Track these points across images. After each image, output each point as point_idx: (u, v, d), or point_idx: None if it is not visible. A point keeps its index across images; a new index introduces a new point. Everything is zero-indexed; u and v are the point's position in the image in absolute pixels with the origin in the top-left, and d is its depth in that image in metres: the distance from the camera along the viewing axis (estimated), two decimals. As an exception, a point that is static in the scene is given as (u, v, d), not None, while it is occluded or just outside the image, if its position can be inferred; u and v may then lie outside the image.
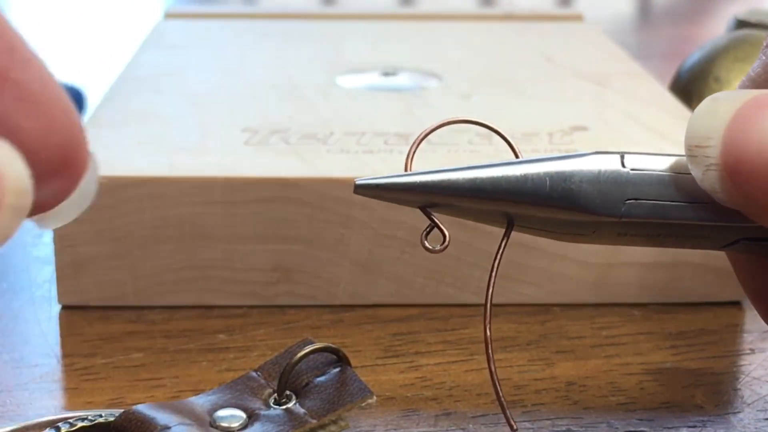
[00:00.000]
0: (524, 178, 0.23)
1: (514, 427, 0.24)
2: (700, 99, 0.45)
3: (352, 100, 0.43)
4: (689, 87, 0.46)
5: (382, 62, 0.49)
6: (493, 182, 0.23)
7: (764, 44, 0.24)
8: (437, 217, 0.24)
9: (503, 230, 0.24)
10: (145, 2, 0.93)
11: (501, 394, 0.24)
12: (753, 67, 0.25)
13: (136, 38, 0.55)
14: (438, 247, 0.23)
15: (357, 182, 0.23)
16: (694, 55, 0.48)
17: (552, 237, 0.24)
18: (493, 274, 0.24)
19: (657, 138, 0.38)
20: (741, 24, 0.50)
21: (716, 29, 0.79)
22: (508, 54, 0.51)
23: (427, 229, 0.24)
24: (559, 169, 0.23)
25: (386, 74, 0.47)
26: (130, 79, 0.45)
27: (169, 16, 0.58)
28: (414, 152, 0.24)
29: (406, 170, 0.24)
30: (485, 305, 0.24)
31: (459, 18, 0.60)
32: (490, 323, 0.24)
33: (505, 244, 0.24)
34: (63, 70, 0.64)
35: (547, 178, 0.23)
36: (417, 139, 0.24)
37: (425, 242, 0.23)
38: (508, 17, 0.59)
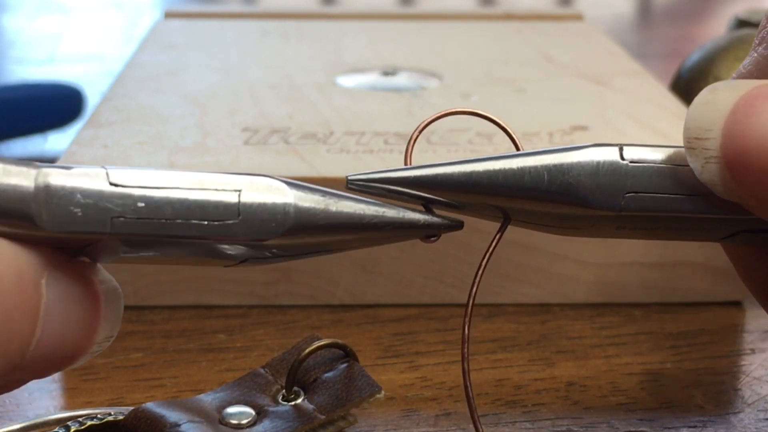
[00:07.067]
0: (522, 172, 0.23)
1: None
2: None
3: (352, 100, 0.43)
4: (690, 86, 0.46)
5: (382, 62, 0.48)
6: (490, 176, 0.23)
7: (755, 41, 0.24)
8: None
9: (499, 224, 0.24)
10: (145, 2, 0.93)
11: (471, 395, 0.23)
12: (743, 64, 0.24)
13: (136, 38, 0.55)
14: (431, 239, 0.23)
15: (349, 177, 0.23)
16: (694, 55, 0.48)
17: (548, 231, 0.24)
18: (481, 270, 0.24)
19: (658, 137, 0.38)
20: (741, 24, 0.50)
21: (716, 29, 0.79)
22: (508, 54, 0.51)
23: None
24: (557, 162, 0.23)
25: (386, 74, 0.47)
26: (130, 79, 0.45)
27: (169, 15, 0.58)
28: (413, 144, 0.23)
29: (405, 164, 0.23)
30: (467, 303, 0.24)
31: (459, 18, 0.60)
32: (470, 320, 0.23)
33: (499, 240, 0.24)
34: (63, 70, 0.64)
35: (545, 172, 0.23)
36: (416, 130, 0.24)
37: None
38: (508, 17, 0.59)
